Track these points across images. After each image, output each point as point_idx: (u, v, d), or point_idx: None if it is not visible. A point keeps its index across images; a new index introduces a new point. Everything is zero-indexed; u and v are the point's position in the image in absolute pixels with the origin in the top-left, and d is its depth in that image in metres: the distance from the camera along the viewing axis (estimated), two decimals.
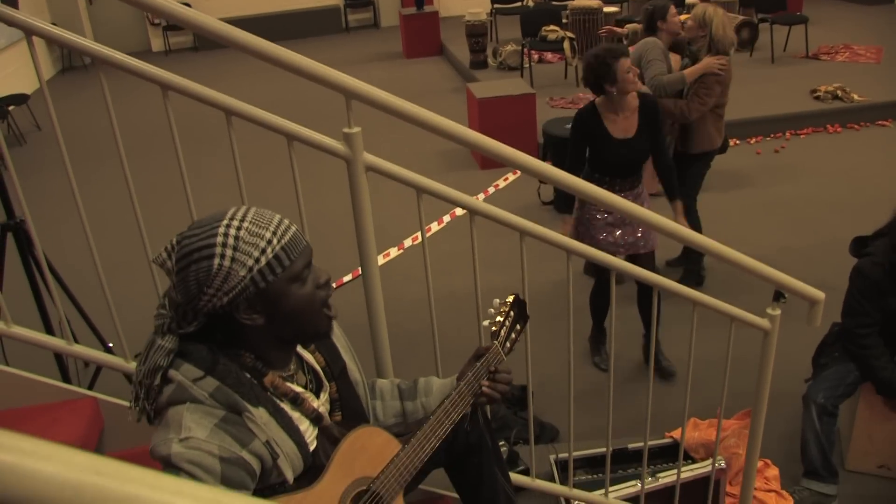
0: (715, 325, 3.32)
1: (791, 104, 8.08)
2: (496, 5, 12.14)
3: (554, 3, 11.48)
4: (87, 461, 0.52)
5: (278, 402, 1.62)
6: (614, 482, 2.99)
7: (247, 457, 1.50)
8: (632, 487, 2.97)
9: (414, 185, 2.22)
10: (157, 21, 13.90)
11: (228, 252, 1.48)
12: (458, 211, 6.24)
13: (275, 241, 1.52)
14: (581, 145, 3.96)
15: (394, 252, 5.80)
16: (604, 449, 2.80)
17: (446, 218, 6.28)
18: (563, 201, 4.12)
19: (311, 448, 1.66)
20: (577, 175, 3.87)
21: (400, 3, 13.78)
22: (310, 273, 1.60)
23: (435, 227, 6.18)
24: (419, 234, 2.32)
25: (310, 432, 1.67)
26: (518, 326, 2.07)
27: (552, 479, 3.09)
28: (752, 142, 7.63)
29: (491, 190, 6.88)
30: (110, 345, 3.60)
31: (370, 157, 2.15)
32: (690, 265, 5.08)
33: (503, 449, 3.23)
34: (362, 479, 1.68)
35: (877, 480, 3.46)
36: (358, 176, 2.15)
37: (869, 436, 3.42)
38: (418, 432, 1.76)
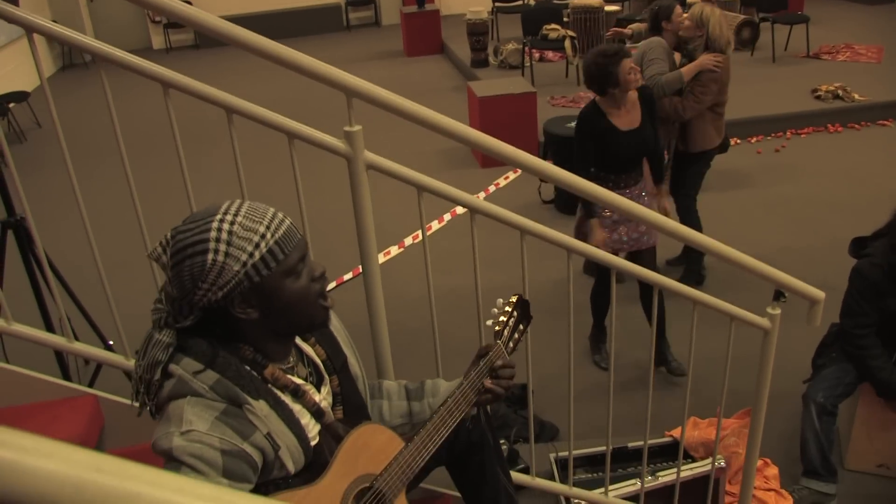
0: (715, 325, 3.32)
1: (792, 104, 8.08)
2: (497, 4, 12.14)
3: (555, 1, 11.46)
4: (87, 459, 0.52)
5: (279, 394, 1.62)
6: (614, 481, 3.00)
7: (248, 449, 1.50)
8: (631, 486, 2.97)
9: (415, 183, 2.22)
10: (158, 18, 13.90)
11: (222, 247, 1.48)
12: (459, 209, 6.24)
13: (268, 235, 1.52)
14: (587, 145, 3.96)
15: (394, 250, 5.80)
16: (604, 448, 2.80)
17: (447, 216, 6.28)
18: (587, 204, 4.02)
19: (313, 443, 1.66)
20: (585, 176, 3.88)
21: (401, 1, 13.78)
22: (304, 266, 1.60)
23: (435, 225, 6.18)
24: (420, 232, 2.32)
25: (311, 426, 1.67)
26: (521, 326, 2.08)
27: (552, 478, 3.09)
28: (752, 141, 7.63)
29: (492, 188, 6.89)
30: (111, 342, 3.60)
31: (371, 156, 2.15)
32: (691, 264, 5.08)
33: (503, 447, 3.23)
34: (365, 476, 1.68)
35: (876, 480, 3.47)
36: (359, 174, 2.15)
37: (868, 435, 3.42)
38: (421, 430, 1.76)
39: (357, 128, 2.10)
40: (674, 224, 2.40)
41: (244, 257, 1.50)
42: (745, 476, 2.96)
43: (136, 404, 1.59)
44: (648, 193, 4.18)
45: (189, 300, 1.54)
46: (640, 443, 3.05)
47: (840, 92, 8.08)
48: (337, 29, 14.51)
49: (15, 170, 2.31)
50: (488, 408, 2.10)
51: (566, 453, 2.85)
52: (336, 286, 5.22)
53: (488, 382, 1.90)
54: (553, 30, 9.58)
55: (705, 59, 4.55)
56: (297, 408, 1.65)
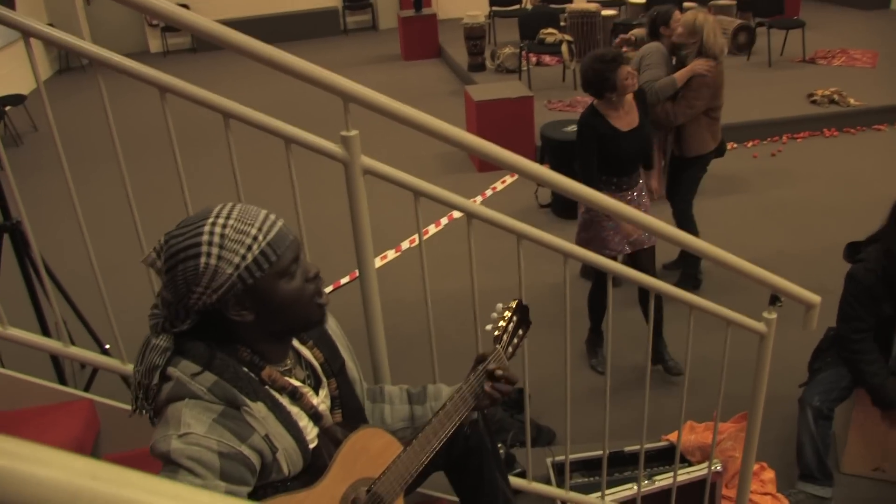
0: (712, 329, 3.32)
1: (788, 108, 8.10)
2: (494, 8, 12.15)
3: (552, 5, 11.48)
4: (84, 466, 0.52)
5: (277, 396, 1.62)
6: (611, 485, 3.00)
7: (246, 452, 1.50)
8: (628, 490, 2.98)
9: (411, 188, 2.22)
10: (155, 22, 13.89)
11: (214, 250, 1.49)
12: (456, 213, 6.24)
13: (260, 237, 1.52)
14: (592, 148, 3.96)
15: (391, 254, 5.80)
16: (600, 452, 2.80)
17: (444, 220, 6.28)
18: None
19: (312, 446, 1.66)
20: (594, 180, 3.90)
21: (398, 5, 13.79)
22: (298, 267, 1.60)
23: (432, 229, 6.18)
24: (416, 236, 2.32)
25: (309, 429, 1.67)
26: (520, 332, 2.07)
27: (549, 482, 3.09)
28: (749, 145, 7.65)
29: (488, 193, 6.89)
30: (107, 346, 3.60)
31: (367, 161, 2.15)
32: (688, 269, 5.09)
33: (500, 451, 3.23)
34: (364, 479, 1.68)
35: (871, 483, 3.47)
36: (355, 179, 2.15)
37: (864, 439, 3.43)
38: (420, 435, 1.76)
39: (354, 132, 2.10)
40: (671, 229, 2.40)
41: (237, 260, 1.50)
42: (741, 480, 2.97)
43: (136, 410, 1.59)
44: (645, 196, 4.20)
45: (184, 304, 1.54)
46: (637, 447, 3.05)
47: (836, 96, 8.10)
48: (334, 33, 14.52)
49: (11, 173, 2.31)
50: (486, 412, 2.10)
51: (563, 457, 2.85)
52: (333, 290, 5.22)
53: (488, 387, 1.90)
54: (550, 34, 9.59)
55: (697, 64, 4.57)
56: (294, 410, 1.65)
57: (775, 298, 2.53)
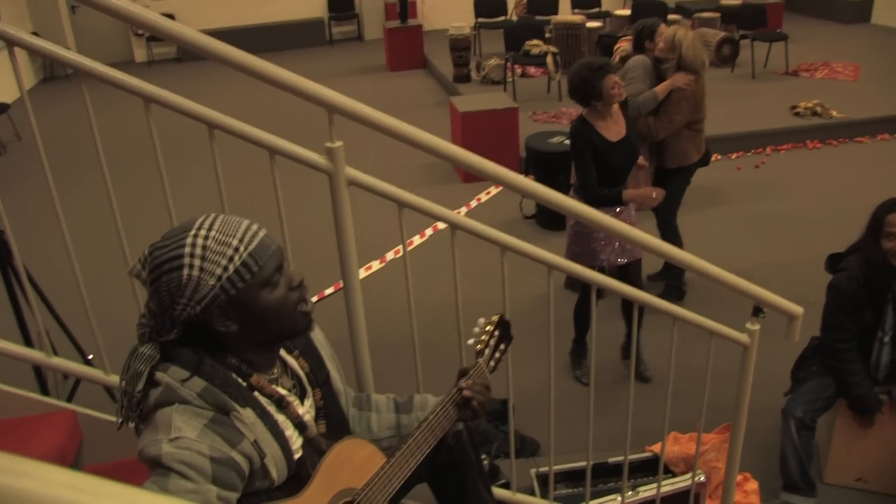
0: (695, 339, 3.33)
1: (772, 120, 8.16)
2: (480, 19, 12.19)
3: (537, 17, 11.54)
4: (64, 477, 0.52)
5: (264, 404, 1.63)
6: (595, 496, 3.00)
7: (236, 457, 1.51)
8: (612, 501, 2.98)
9: (395, 199, 2.22)
10: (140, 32, 13.85)
11: (196, 262, 1.50)
12: (441, 224, 6.24)
13: (241, 248, 1.53)
14: (588, 158, 3.96)
15: (376, 265, 5.80)
16: (584, 463, 2.81)
17: (428, 231, 6.28)
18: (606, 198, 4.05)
19: (296, 456, 1.66)
20: (594, 188, 3.91)
21: (384, 16, 13.81)
22: (282, 277, 1.61)
23: (417, 240, 6.18)
24: (401, 247, 2.33)
25: (294, 438, 1.68)
26: (502, 346, 2.09)
27: (533, 493, 3.09)
28: (733, 157, 7.69)
29: (473, 203, 6.90)
30: (90, 357, 3.57)
31: (352, 172, 2.16)
32: (672, 280, 5.11)
33: (484, 463, 3.23)
34: (347, 490, 1.68)
35: (854, 493, 3.49)
36: (339, 190, 2.15)
37: (846, 449, 3.45)
38: (403, 446, 1.76)
39: (338, 144, 2.11)
40: (655, 241, 2.41)
41: (219, 271, 1.51)
42: (725, 491, 2.97)
43: (120, 420, 1.59)
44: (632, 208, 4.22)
45: (169, 315, 1.55)
46: (621, 458, 3.05)
47: (818, 109, 8.17)
48: (320, 43, 14.51)
49: None
50: (469, 424, 2.11)
51: (547, 468, 2.85)
52: (317, 301, 5.21)
53: (467, 392, 1.89)
54: (535, 46, 9.62)
55: (676, 78, 4.61)
56: (280, 419, 1.66)
57: (758, 310, 2.54)
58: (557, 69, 9.43)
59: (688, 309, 2.55)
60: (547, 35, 10.21)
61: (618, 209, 4.05)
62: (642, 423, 3.80)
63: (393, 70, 12.16)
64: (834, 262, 3.42)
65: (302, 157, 2.13)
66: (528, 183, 2.25)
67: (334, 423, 1.83)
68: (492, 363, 2.04)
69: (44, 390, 3.35)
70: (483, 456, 3.24)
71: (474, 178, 7.18)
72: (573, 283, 5.22)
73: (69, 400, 3.20)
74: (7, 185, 7.60)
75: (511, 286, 2.41)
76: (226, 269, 1.51)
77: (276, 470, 1.60)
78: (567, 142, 6.22)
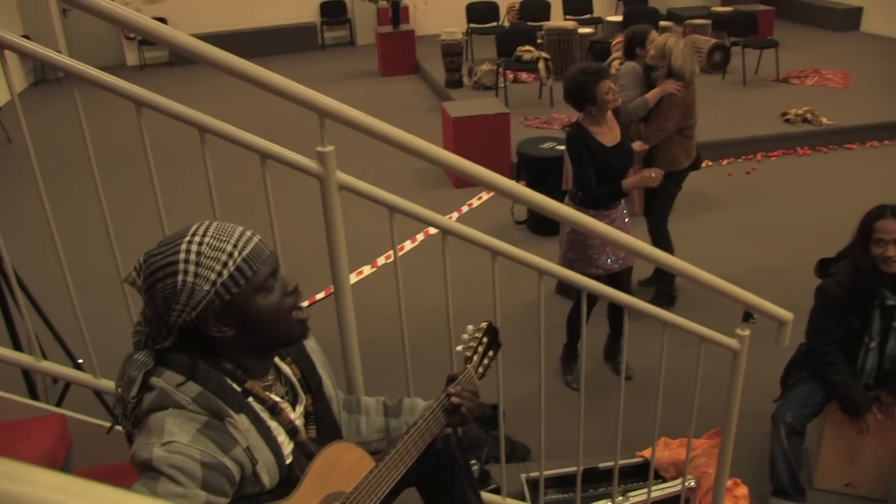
0: (686, 345, 3.34)
1: (762, 126, 8.19)
2: (472, 25, 12.21)
3: (529, 23, 11.57)
4: (53, 480, 0.52)
5: (258, 410, 1.63)
6: (585, 501, 3.00)
7: (228, 463, 1.51)
8: None
9: (387, 204, 2.22)
10: (132, 35, 13.82)
11: (191, 268, 1.51)
12: (432, 229, 6.24)
13: (236, 253, 1.54)
14: (587, 162, 3.97)
15: (367, 270, 5.79)
16: (575, 468, 2.81)
17: (420, 236, 6.28)
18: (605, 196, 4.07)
19: (287, 461, 1.66)
20: (594, 190, 3.92)
21: (376, 21, 13.82)
22: (276, 282, 1.62)
23: (408, 245, 6.18)
24: (392, 252, 2.33)
25: (286, 444, 1.68)
26: (490, 353, 2.11)
27: (523, 499, 3.09)
28: (724, 163, 7.72)
29: (465, 209, 6.90)
30: (80, 361, 3.56)
31: (343, 176, 2.16)
32: (662, 285, 5.12)
33: (474, 468, 3.23)
34: (336, 494, 1.68)
35: (843, 498, 3.50)
36: (331, 195, 2.15)
37: (836, 455, 3.46)
38: (392, 450, 1.77)
39: (329, 148, 2.11)
40: (646, 247, 2.42)
41: (213, 277, 1.52)
42: (714, 496, 2.98)
43: (118, 428, 1.59)
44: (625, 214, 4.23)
45: (165, 321, 1.56)
46: (611, 463, 3.06)
47: (809, 116, 8.21)
48: (312, 48, 14.51)
49: None
50: (459, 429, 2.11)
51: (537, 473, 2.86)
52: (309, 305, 5.20)
53: (455, 399, 1.91)
54: (527, 51, 9.64)
55: (667, 84, 4.63)
56: (273, 425, 1.66)
57: (748, 315, 2.55)
58: (549, 75, 9.45)
59: (678, 314, 2.56)
60: (539, 41, 10.23)
61: (613, 215, 4.06)
62: (633, 428, 3.81)
63: (385, 75, 12.17)
64: (823, 267, 3.44)
65: (293, 161, 2.14)
66: (520, 188, 2.26)
67: (325, 430, 1.83)
68: (480, 370, 2.06)
69: (33, 394, 3.33)
70: (473, 461, 3.25)
71: (466, 183, 7.19)
72: (564, 288, 5.23)
73: (58, 404, 3.19)
74: None
75: (502, 291, 2.41)
76: (220, 274, 1.52)
77: (268, 476, 1.60)
78: (559, 147, 6.24)
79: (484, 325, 2.12)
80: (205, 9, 13.86)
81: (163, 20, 12.44)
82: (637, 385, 4.27)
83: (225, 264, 1.52)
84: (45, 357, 2.52)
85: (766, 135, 8.00)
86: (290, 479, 1.66)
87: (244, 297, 1.55)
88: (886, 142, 8.10)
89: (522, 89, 10.22)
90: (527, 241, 6.06)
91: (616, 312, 4.31)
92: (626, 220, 4.19)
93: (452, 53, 10.28)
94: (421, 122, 9.07)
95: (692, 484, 3.09)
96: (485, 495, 2.54)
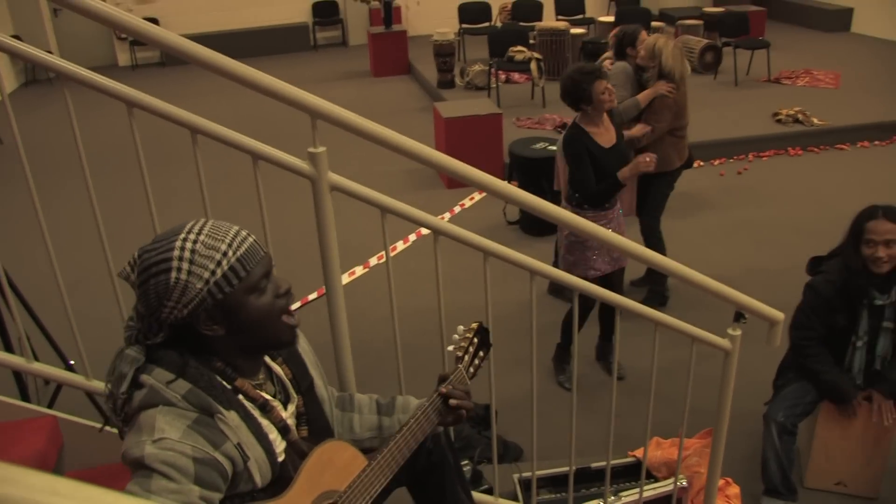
0: (678, 344, 3.36)
1: (754, 127, 8.21)
2: (464, 25, 12.22)
3: (522, 23, 11.58)
4: (45, 482, 0.52)
5: (248, 407, 1.64)
6: (578, 501, 3.01)
7: (219, 458, 1.52)
8: None
9: (378, 205, 2.23)
10: (123, 35, 13.79)
11: (185, 265, 1.51)
12: (425, 229, 6.25)
13: (230, 252, 1.54)
14: (586, 163, 3.97)
15: (359, 270, 5.79)
16: (567, 468, 2.81)
17: (412, 237, 6.28)
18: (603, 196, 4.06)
19: (280, 459, 1.67)
20: (591, 188, 3.92)
21: (368, 21, 13.82)
22: (269, 283, 1.63)
23: (401, 245, 6.18)
24: (385, 252, 2.33)
25: (278, 442, 1.69)
26: (481, 353, 2.13)
27: (516, 499, 3.10)
28: (716, 163, 7.74)
29: (457, 209, 6.91)
30: (72, 362, 3.55)
31: (335, 177, 2.16)
32: (654, 285, 5.13)
33: (467, 468, 3.23)
34: (329, 492, 1.69)
35: (834, 497, 3.51)
36: (322, 196, 2.15)
37: (827, 454, 3.47)
38: (385, 449, 1.77)
39: (321, 149, 2.11)
40: (638, 247, 2.43)
41: (206, 275, 1.52)
42: (706, 495, 2.99)
43: (109, 429, 1.59)
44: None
45: (156, 318, 1.56)
46: (603, 463, 3.06)
47: (800, 116, 8.23)
48: (304, 48, 14.50)
49: None
50: (451, 429, 2.12)
51: (530, 474, 2.86)
52: (301, 306, 5.20)
53: (453, 402, 1.92)
54: (519, 52, 9.65)
55: (659, 86, 4.64)
56: (264, 423, 1.67)
57: (739, 315, 2.56)
58: (541, 75, 9.45)
59: (670, 314, 2.57)
60: (531, 41, 10.23)
61: (610, 215, 4.06)
62: (625, 428, 3.82)
63: (377, 75, 12.17)
64: (815, 264, 3.45)
65: (285, 162, 2.14)
66: (511, 189, 2.26)
67: (317, 430, 1.83)
68: (471, 370, 2.07)
69: (24, 396, 3.32)
70: (465, 461, 3.25)
71: (459, 183, 7.19)
72: (556, 288, 5.23)
73: (50, 406, 3.18)
74: None
75: (494, 291, 2.42)
76: (213, 273, 1.52)
77: (260, 473, 1.61)
78: (551, 147, 6.24)
79: (475, 325, 2.13)
80: (197, 9, 13.83)
81: (154, 20, 12.42)
82: (629, 385, 4.27)
83: (219, 263, 1.53)
84: (36, 358, 2.51)
85: (757, 135, 8.02)
86: (283, 477, 1.66)
87: (236, 296, 1.56)
88: (877, 142, 8.14)
89: (514, 90, 10.23)
90: (519, 242, 6.07)
91: (608, 312, 4.32)
92: (622, 218, 4.21)
93: (444, 54, 10.28)
94: (413, 123, 9.07)
95: (684, 483, 3.10)
96: (477, 495, 2.55)
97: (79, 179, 2.37)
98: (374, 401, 2.10)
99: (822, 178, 7.26)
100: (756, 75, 10.28)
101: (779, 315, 2.59)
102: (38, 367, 2.49)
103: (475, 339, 2.10)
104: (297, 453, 1.72)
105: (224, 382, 1.61)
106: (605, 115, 4.06)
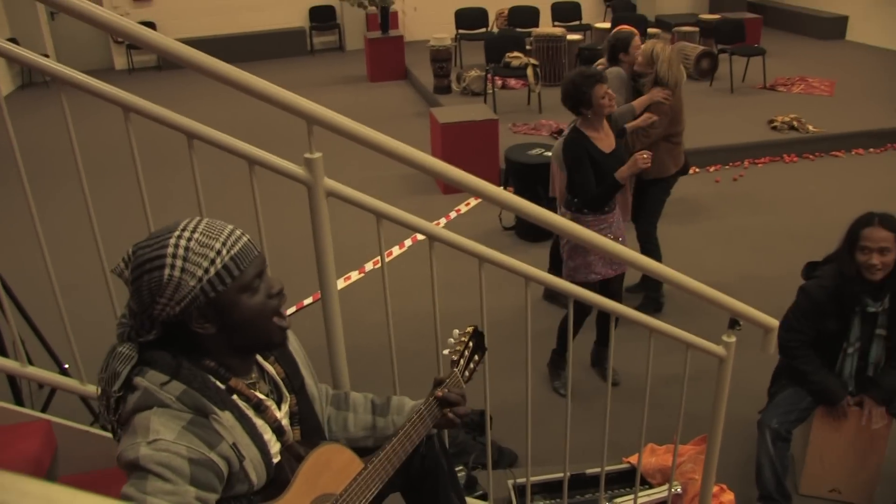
0: (673, 350, 3.36)
1: (749, 134, 8.24)
2: (461, 31, 12.24)
3: (518, 29, 11.60)
4: (39, 489, 0.52)
5: (243, 407, 1.64)
6: None
7: (215, 458, 1.52)
8: None
9: (374, 210, 2.23)
10: (120, 39, 13.79)
11: (178, 262, 1.51)
12: (420, 235, 6.25)
13: (224, 251, 1.55)
14: (587, 167, 3.97)
15: (355, 276, 5.79)
16: (562, 474, 2.81)
17: (408, 242, 6.28)
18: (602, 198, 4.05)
19: (275, 460, 1.67)
20: (591, 192, 3.92)
21: (365, 26, 13.83)
22: (261, 283, 1.63)
23: (396, 250, 6.18)
24: (380, 258, 2.33)
25: (273, 443, 1.69)
26: (476, 357, 2.13)
27: None
28: (711, 170, 7.75)
29: (453, 215, 6.91)
30: (66, 366, 3.55)
31: (330, 183, 2.16)
32: (650, 292, 5.13)
33: (461, 474, 3.23)
34: (326, 495, 1.70)
35: None
36: (318, 201, 2.15)
37: (821, 460, 3.47)
38: (381, 452, 1.78)
39: (317, 155, 2.11)
40: (633, 254, 2.43)
41: (199, 273, 1.52)
42: (701, 502, 2.99)
43: (99, 431, 1.59)
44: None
45: (149, 314, 1.56)
46: (598, 469, 3.06)
47: (795, 123, 8.26)
48: (301, 53, 14.51)
49: None
50: (445, 434, 2.13)
51: (524, 480, 2.86)
52: (296, 311, 5.19)
53: (448, 413, 1.93)
54: (516, 57, 9.67)
55: (655, 92, 4.65)
56: (259, 423, 1.67)
57: (734, 322, 2.56)
58: (538, 81, 9.47)
59: (665, 321, 2.57)
60: (527, 47, 10.25)
61: (610, 220, 4.06)
62: (619, 434, 3.82)
63: (374, 81, 12.18)
64: (810, 269, 3.47)
65: (281, 168, 2.14)
66: (507, 195, 2.26)
67: (309, 430, 1.84)
68: (466, 374, 2.08)
69: (18, 400, 3.32)
70: (460, 467, 3.25)
71: (454, 189, 7.17)
72: (551, 294, 5.23)
73: (44, 410, 3.18)
74: None
75: (490, 297, 2.42)
76: (207, 270, 1.53)
77: (255, 473, 1.61)
78: (547, 153, 6.25)
79: (470, 329, 2.14)
80: (194, 13, 13.84)
81: (151, 24, 12.42)
82: (624, 391, 4.28)
83: (212, 261, 1.53)
84: (30, 362, 2.51)
85: (753, 142, 8.05)
86: (279, 479, 1.66)
87: (229, 295, 1.56)
88: (872, 149, 8.17)
89: (511, 95, 10.24)
90: (514, 248, 6.07)
91: (606, 318, 4.32)
92: (622, 223, 4.21)
93: (441, 59, 10.29)
94: (409, 128, 9.08)
95: (678, 490, 3.10)
96: (471, 501, 2.55)
97: (74, 183, 2.37)
98: (369, 400, 2.10)
99: (817, 185, 7.28)
100: (752, 82, 10.31)
101: (773, 322, 2.59)
102: (32, 371, 2.49)
103: (470, 343, 2.11)
104: (294, 456, 1.72)
105: (218, 383, 1.62)
106: (605, 121, 4.07)
